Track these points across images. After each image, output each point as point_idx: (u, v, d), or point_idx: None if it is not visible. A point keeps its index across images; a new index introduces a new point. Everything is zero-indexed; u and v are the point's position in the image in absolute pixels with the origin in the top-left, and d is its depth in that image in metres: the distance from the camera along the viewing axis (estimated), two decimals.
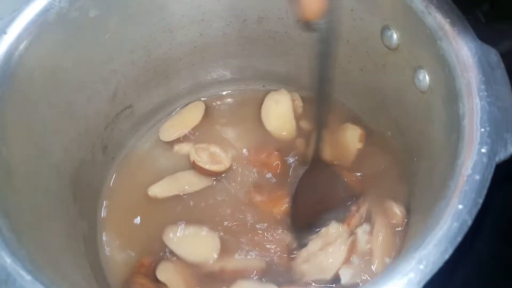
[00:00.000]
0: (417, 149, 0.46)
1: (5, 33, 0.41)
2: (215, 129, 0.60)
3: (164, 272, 0.49)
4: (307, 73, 0.59)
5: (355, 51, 0.51)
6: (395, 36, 0.45)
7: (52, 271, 0.35)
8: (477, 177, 0.32)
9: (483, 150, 0.33)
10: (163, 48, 0.56)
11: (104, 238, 0.53)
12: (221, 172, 0.56)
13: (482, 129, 0.34)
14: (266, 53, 0.59)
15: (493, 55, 0.37)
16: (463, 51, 0.37)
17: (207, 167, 0.55)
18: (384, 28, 0.46)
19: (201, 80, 0.61)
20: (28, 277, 0.31)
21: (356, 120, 0.57)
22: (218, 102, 0.62)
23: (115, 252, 0.53)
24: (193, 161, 0.55)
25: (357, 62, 0.53)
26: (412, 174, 0.47)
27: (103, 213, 0.55)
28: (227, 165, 0.56)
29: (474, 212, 0.31)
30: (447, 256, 0.30)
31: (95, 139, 0.55)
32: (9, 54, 0.41)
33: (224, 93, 0.63)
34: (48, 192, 0.45)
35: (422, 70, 0.43)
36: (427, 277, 0.29)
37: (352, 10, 0.48)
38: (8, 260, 0.32)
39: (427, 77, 0.43)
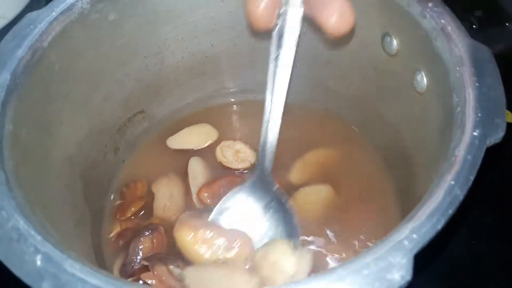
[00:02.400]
0: (413, 147, 0.48)
1: (30, 27, 0.45)
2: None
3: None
4: (312, 84, 0.62)
5: (357, 60, 0.54)
6: (394, 42, 0.48)
7: (60, 240, 0.36)
8: (469, 157, 0.34)
9: (475, 133, 0.35)
10: (176, 57, 0.59)
11: (108, 235, 0.55)
12: (247, 168, 0.58)
13: (474, 115, 0.36)
14: None
15: (485, 51, 0.39)
16: (457, 48, 0.40)
17: (233, 166, 0.58)
18: (384, 35, 0.49)
19: (211, 90, 0.64)
20: (38, 237, 0.33)
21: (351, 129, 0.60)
22: (225, 112, 0.65)
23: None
24: (220, 162, 0.59)
25: (358, 71, 0.55)
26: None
27: (109, 211, 0.57)
28: (252, 161, 0.58)
29: (466, 188, 0.33)
30: (439, 227, 0.31)
31: (108, 139, 0.57)
32: (34, 47, 0.44)
33: (232, 103, 0.65)
34: (59, 180, 0.47)
35: (420, 72, 0.45)
36: (420, 245, 0.30)
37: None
38: (21, 222, 0.33)
39: (424, 79, 0.45)
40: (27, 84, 0.43)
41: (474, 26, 0.54)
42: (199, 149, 0.61)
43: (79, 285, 0.31)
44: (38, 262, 0.32)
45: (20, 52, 0.43)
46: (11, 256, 0.32)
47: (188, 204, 0.57)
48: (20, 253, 0.32)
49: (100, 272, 0.31)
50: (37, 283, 0.31)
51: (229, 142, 0.59)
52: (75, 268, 0.31)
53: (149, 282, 0.47)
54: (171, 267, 0.50)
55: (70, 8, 0.47)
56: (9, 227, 0.33)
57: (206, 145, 0.61)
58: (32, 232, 0.33)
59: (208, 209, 0.55)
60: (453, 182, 0.33)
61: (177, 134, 0.62)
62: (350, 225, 0.53)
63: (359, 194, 0.55)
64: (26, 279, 0.31)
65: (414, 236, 0.31)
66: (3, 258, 0.32)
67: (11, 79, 0.41)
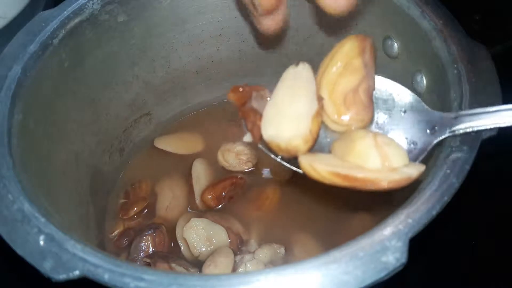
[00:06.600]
0: None
1: (42, 25, 0.47)
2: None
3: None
4: None
5: None
6: (395, 44, 0.49)
7: (63, 223, 0.37)
8: (465, 147, 0.35)
9: None
10: (182, 60, 0.60)
11: (111, 234, 0.55)
12: (250, 169, 0.59)
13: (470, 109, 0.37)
14: (278, 70, 0.62)
15: (482, 49, 0.40)
16: (454, 46, 0.41)
17: (235, 169, 0.59)
18: (386, 39, 0.50)
19: (216, 94, 0.65)
20: (42, 219, 0.34)
21: None
22: (229, 115, 0.65)
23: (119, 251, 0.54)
24: (222, 167, 0.59)
25: None
26: None
27: (113, 210, 0.57)
28: (254, 161, 0.59)
29: (461, 176, 0.33)
30: (434, 213, 0.32)
31: (113, 140, 0.58)
32: (45, 43, 0.46)
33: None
34: (65, 175, 0.48)
35: (420, 73, 0.46)
36: (415, 229, 0.31)
37: (356, 24, 0.53)
38: (26, 205, 0.34)
39: (424, 79, 0.46)
40: (37, 78, 0.44)
41: (474, 28, 0.55)
42: (203, 152, 0.62)
43: (80, 264, 0.31)
44: (41, 242, 0.32)
45: (31, 48, 0.45)
46: (15, 236, 0.33)
47: (190, 205, 0.57)
48: (23, 233, 0.33)
49: (101, 252, 0.32)
50: (39, 262, 0.32)
51: (229, 145, 0.60)
52: (76, 248, 0.32)
53: None
54: (173, 264, 0.50)
55: (81, 8, 0.48)
56: (14, 209, 0.34)
57: (187, 153, 0.62)
58: (36, 214, 0.34)
59: (210, 210, 0.56)
60: (449, 171, 0.33)
61: (167, 136, 0.64)
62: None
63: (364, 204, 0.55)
64: (28, 258, 0.32)
65: (409, 221, 0.31)
66: (7, 238, 0.33)
67: (22, 72, 0.43)
